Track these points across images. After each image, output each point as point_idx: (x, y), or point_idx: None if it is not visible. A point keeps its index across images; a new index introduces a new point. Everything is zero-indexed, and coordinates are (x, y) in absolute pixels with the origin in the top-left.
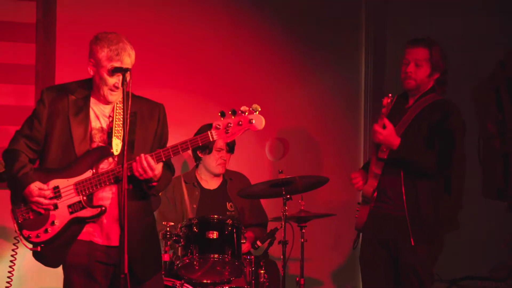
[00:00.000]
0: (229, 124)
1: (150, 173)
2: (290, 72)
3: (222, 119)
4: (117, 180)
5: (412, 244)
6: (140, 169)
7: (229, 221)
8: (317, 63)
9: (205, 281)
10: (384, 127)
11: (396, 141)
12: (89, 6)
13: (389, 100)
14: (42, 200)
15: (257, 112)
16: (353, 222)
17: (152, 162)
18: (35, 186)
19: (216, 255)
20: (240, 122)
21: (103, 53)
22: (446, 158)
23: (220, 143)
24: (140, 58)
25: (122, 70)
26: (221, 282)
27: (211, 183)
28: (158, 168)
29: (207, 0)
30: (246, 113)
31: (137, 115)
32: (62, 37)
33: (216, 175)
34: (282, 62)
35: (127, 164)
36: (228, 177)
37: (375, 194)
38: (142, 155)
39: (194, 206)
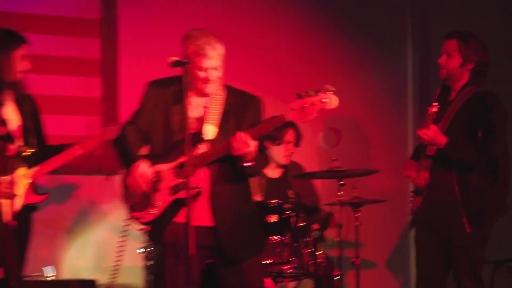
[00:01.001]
0: (304, 105)
1: (245, 149)
2: (342, 66)
3: (298, 100)
4: (211, 162)
5: (466, 229)
6: (234, 144)
7: (288, 206)
8: (366, 56)
9: (265, 261)
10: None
11: (442, 140)
12: (149, 2)
13: (435, 110)
14: (143, 179)
15: (330, 92)
16: (403, 208)
17: (247, 137)
18: (142, 165)
19: (276, 237)
20: (314, 103)
21: (190, 50)
22: (490, 152)
23: (290, 137)
24: None
25: (181, 64)
26: (281, 262)
27: (274, 172)
28: (253, 145)
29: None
30: (318, 93)
31: (233, 106)
32: (124, 31)
33: (280, 166)
34: (336, 57)
35: (222, 145)
36: (290, 167)
37: (427, 184)
38: (238, 132)
39: (262, 194)
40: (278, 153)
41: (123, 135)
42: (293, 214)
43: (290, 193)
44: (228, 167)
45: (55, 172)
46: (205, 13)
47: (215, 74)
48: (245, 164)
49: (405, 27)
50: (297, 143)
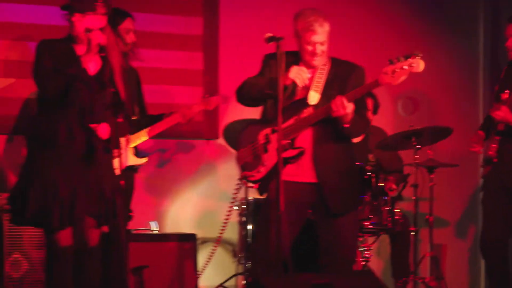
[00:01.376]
0: (395, 70)
1: (342, 111)
2: (418, 43)
3: (389, 65)
4: (314, 124)
5: None
6: (333, 106)
7: (369, 167)
8: (440, 34)
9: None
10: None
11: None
12: None
13: (506, 96)
14: (301, 73)
15: (418, 57)
16: (474, 171)
17: (344, 101)
18: (294, 68)
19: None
20: (404, 66)
21: (300, 26)
22: None
23: (368, 105)
24: None
25: (275, 39)
26: (361, 219)
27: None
28: (349, 108)
29: None
30: (408, 58)
31: (337, 75)
32: (224, 9)
33: None
34: (413, 35)
35: (325, 108)
36: (371, 132)
37: (497, 154)
38: (338, 95)
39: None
40: None
41: (247, 80)
42: (373, 175)
43: (371, 156)
44: (330, 128)
45: (159, 136)
46: None
47: (321, 48)
48: (344, 125)
49: (478, 9)
50: (375, 111)
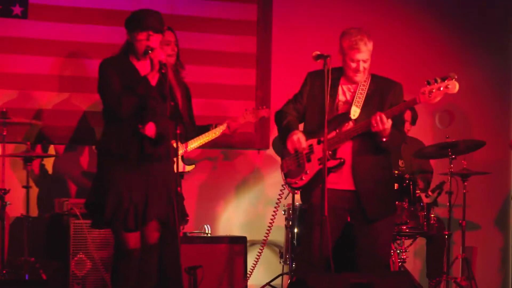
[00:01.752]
0: (432, 90)
1: (381, 126)
2: (454, 60)
3: (427, 86)
4: (354, 137)
5: None
6: (373, 121)
7: (407, 176)
8: (474, 52)
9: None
10: None
11: None
12: (299, 5)
13: None
14: (300, 145)
15: (454, 78)
16: (505, 179)
17: (384, 117)
18: (296, 135)
19: (396, 202)
20: (440, 88)
21: (346, 44)
22: None
23: (407, 116)
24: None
25: (323, 57)
26: (400, 223)
27: None
28: (388, 123)
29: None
30: (445, 80)
31: (376, 91)
32: (277, 30)
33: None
34: (449, 53)
35: (365, 122)
36: (408, 141)
37: None
38: (378, 111)
39: None
40: None
41: (282, 111)
42: (411, 183)
43: (401, 162)
44: (369, 141)
45: (213, 146)
46: (340, 14)
47: (364, 66)
48: (382, 139)
49: (509, 29)
50: (413, 122)
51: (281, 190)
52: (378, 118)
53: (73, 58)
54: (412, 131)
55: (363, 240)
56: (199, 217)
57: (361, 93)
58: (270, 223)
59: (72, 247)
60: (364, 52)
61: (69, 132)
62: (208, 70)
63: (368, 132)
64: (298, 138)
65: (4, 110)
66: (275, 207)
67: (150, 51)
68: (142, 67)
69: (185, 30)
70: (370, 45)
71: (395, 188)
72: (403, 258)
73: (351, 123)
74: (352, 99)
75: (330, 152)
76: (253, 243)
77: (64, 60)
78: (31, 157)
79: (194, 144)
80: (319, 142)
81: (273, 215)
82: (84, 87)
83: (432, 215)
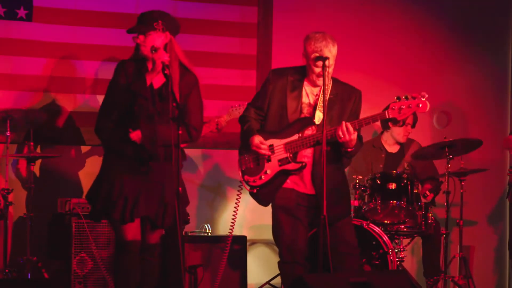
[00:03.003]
0: (402, 107)
1: (347, 137)
2: (452, 60)
3: (397, 102)
4: (316, 143)
5: None
6: (340, 133)
7: (405, 175)
8: (471, 51)
9: (385, 221)
10: None
11: None
12: (299, 9)
13: None
14: (259, 149)
15: (424, 98)
16: (500, 178)
17: (350, 128)
18: (257, 138)
19: (394, 202)
20: (410, 105)
21: (310, 49)
22: None
23: (409, 119)
24: (339, 47)
25: (322, 59)
26: (398, 222)
27: (393, 148)
28: (354, 135)
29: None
30: (415, 99)
31: (338, 96)
32: (277, 33)
33: (399, 142)
34: (447, 53)
35: (330, 130)
36: (407, 143)
37: None
38: (344, 122)
39: (381, 166)
40: (398, 133)
41: (244, 115)
42: (409, 182)
43: (406, 165)
44: (330, 146)
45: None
46: (340, 16)
47: (328, 71)
48: (347, 149)
49: (507, 29)
50: (413, 125)
51: (239, 186)
52: (344, 128)
53: (78, 60)
54: (410, 133)
55: (330, 240)
56: (199, 217)
57: (322, 97)
58: (233, 219)
59: (74, 247)
60: (329, 58)
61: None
62: (209, 72)
63: (332, 140)
64: (260, 141)
65: (8, 110)
66: (236, 204)
67: (153, 51)
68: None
69: (187, 32)
70: (334, 50)
71: (394, 187)
72: (401, 257)
73: (314, 128)
74: (315, 103)
75: (290, 155)
76: (253, 243)
77: (66, 61)
78: (34, 157)
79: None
80: (284, 144)
81: (234, 211)
82: (91, 89)
83: (430, 215)
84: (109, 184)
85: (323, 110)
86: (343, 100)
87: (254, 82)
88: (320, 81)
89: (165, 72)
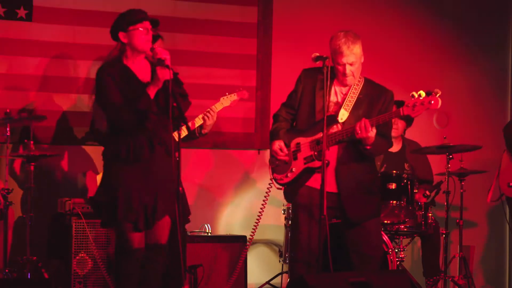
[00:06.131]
0: (415, 104)
1: (365, 133)
2: (453, 62)
3: (411, 99)
4: (339, 141)
5: None
6: (357, 128)
7: (405, 175)
8: (472, 54)
9: (385, 221)
10: None
11: None
12: (299, 9)
13: None
14: (276, 155)
15: (437, 95)
16: None
17: (368, 124)
18: (277, 143)
19: (394, 202)
20: (423, 103)
21: (332, 48)
22: None
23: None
24: None
25: (321, 58)
26: (397, 222)
27: (393, 147)
28: (372, 132)
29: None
30: (430, 95)
31: (367, 96)
32: (277, 33)
33: (393, 138)
34: (449, 55)
35: (350, 128)
36: (407, 143)
37: None
38: (363, 118)
39: (378, 163)
40: None
41: (276, 114)
42: (409, 182)
43: (407, 165)
44: (354, 145)
45: (215, 146)
46: (340, 16)
47: (350, 69)
48: (366, 147)
49: (507, 32)
50: (408, 123)
51: (269, 184)
52: (363, 125)
53: (76, 59)
54: (409, 132)
55: (352, 238)
56: (199, 216)
57: (351, 97)
58: (258, 216)
59: (74, 246)
60: (347, 56)
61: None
62: (209, 71)
63: (352, 138)
64: (280, 147)
65: (8, 111)
66: (263, 201)
67: (158, 64)
68: (138, 67)
69: (187, 32)
70: (355, 48)
71: (394, 187)
72: (401, 257)
73: (338, 126)
74: (343, 102)
75: (315, 153)
76: (253, 242)
77: (67, 61)
78: (34, 157)
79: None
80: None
81: (261, 209)
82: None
83: (430, 215)
84: (126, 191)
85: (325, 110)
86: (373, 100)
87: (254, 82)
88: (347, 80)
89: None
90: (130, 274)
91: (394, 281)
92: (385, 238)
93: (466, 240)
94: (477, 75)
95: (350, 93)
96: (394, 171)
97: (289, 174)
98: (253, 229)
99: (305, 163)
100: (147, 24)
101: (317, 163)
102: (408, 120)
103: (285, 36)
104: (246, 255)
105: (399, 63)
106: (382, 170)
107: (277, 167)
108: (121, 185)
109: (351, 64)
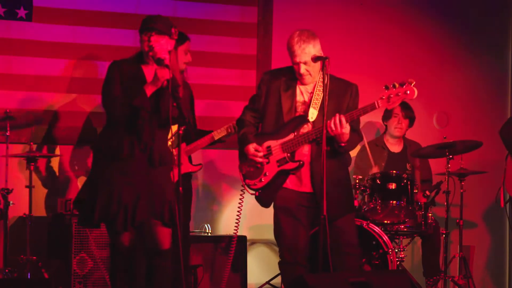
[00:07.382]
0: (390, 95)
1: (339, 130)
2: (452, 62)
3: (386, 91)
4: (312, 141)
5: None
6: (332, 125)
7: (405, 175)
8: (472, 53)
9: (385, 221)
10: None
11: None
12: (299, 8)
13: None
14: (255, 157)
15: (412, 84)
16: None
17: (343, 120)
18: (252, 146)
19: (394, 202)
20: (399, 93)
21: (288, 48)
22: None
23: (396, 110)
24: (338, 47)
25: (321, 58)
26: (397, 222)
27: (395, 147)
28: (347, 128)
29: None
30: (403, 86)
31: (333, 92)
32: (277, 32)
33: (396, 137)
34: (447, 54)
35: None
36: (409, 144)
37: None
38: (337, 114)
39: (383, 164)
40: (390, 126)
41: (240, 119)
42: (409, 182)
43: (408, 166)
44: (328, 145)
45: (216, 147)
46: (340, 16)
47: (305, 68)
48: (341, 144)
49: (507, 30)
50: (411, 124)
51: (241, 190)
52: (337, 121)
53: (77, 60)
54: (410, 132)
55: (331, 238)
56: (199, 217)
57: (318, 95)
58: (236, 222)
59: (74, 246)
60: (299, 55)
61: (74, 132)
62: (209, 72)
63: (328, 135)
64: (255, 149)
65: (8, 110)
66: (239, 208)
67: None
68: (150, 72)
69: (187, 32)
70: (308, 48)
71: (394, 187)
72: (401, 257)
73: (309, 125)
74: (310, 101)
75: (288, 155)
76: (253, 243)
77: (68, 62)
78: (34, 157)
79: (197, 145)
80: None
81: (237, 215)
82: (88, 88)
83: (430, 215)
84: (106, 192)
85: (323, 109)
86: (339, 96)
87: (254, 82)
88: (304, 80)
89: (166, 87)
90: (125, 268)
91: (394, 281)
92: (385, 238)
93: (466, 240)
94: (477, 75)
95: (316, 91)
96: (394, 171)
97: (263, 179)
98: (235, 227)
99: (278, 166)
100: (149, 35)
101: (291, 165)
102: (411, 120)
103: (285, 36)
104: (246, 255)
105: (399, 63)
106: (383, 170)
107: (248, 172)
108: (102, 183)
109: (305, 63)
